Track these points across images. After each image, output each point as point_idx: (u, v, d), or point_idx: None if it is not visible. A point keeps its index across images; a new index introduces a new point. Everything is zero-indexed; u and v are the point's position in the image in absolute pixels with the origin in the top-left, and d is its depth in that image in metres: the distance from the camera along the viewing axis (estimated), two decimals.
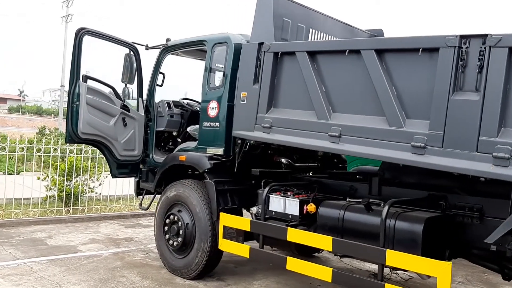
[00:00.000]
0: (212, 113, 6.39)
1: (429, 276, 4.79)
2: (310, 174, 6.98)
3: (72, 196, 10.24)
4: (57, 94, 78.18)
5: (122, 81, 7.24)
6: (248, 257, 5.57)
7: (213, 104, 6.38)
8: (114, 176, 7.37)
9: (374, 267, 7.21)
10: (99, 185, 11.12)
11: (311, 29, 6.31)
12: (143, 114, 7.39)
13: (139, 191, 7.67)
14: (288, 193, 5.80)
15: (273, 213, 5.71)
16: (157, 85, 7.49)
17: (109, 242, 8.24)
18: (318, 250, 7.34)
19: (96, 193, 11.17)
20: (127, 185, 10.75)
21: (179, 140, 7.75)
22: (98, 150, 10.54)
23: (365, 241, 4.74)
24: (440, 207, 4.94)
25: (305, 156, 7.12)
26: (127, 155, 7.24)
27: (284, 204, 5.66)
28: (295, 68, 5.28)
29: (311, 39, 6.23)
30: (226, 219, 5.80)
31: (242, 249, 5.64)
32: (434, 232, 4.62)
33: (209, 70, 6.54)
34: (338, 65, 4.95)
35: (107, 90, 7.05)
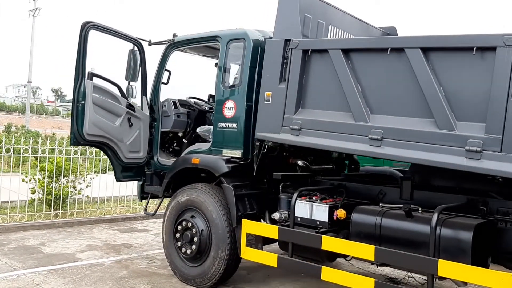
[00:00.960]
0: (228, 113, 6.04)
1: (466, 283, 4.60)
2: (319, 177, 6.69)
3: (60, 199, 9.69)
4: (21, 90, 75.75)
5: (126, 79, 6.82)
6: (276, 266, 5.26)
7: (230, 104, 6.03)
8: (118, 180, 6.94)
9: (387, 270, 7.04)
10: (86, 186, 10.61)
11: (330, 26, 6.02)
12: (148, 113, 6.97)
13: (143, 195, 7.25)
14: (314, 198, 5.53)
15: (299, 219, 5.43)
16: (162, 83, 7.08)
17: (108, 248, 7.78)
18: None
19: (83, 196, 10.64)
20: (117, 186, 10.31)
21: (185, 141, 7.37)
22: (86, 150, 10.16)
23: (405, 250, 4.51)
24: (481, 213, 4.74)
25: (319, 158, 6.85)
26: (133, 157, 6.81)
27: (310, 209, 5.38)
28: (327, 66, 5.00)
29: (330, 37, 5.95)
30: (250, 226, 5.48)
31: (269, 258, 5.33)
32: (481, 239, 4.42)
33: (223, 68, 6.18)
34: (377, 64, 4.69)
35: (111, 88, 6.60)
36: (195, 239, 6.03)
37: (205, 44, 6.82)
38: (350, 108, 4.80)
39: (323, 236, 4.90)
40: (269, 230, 5.33)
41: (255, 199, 6.07)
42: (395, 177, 8.34)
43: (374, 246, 4.53)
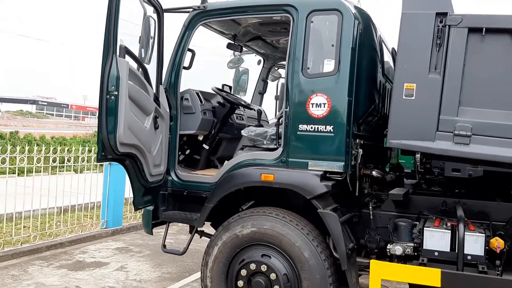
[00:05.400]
0: (317, 111, 4.40)
1: None
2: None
3: None
4: None
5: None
6: None
7: (320, 99, 4.39)
8: (137, 207, 4.74)
9: None
10: None
11: None
12: (168, 109, 4.89)
13: (154, 224, 5.13)
14: (448, 224, 4.28)
15: (436, 253, 4.13)
16: (184, 67, 5.06)
17: None
18: None
19: None
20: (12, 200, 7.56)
21: (206, 147, 5.45)
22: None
23: None
24: None
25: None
26: (156, 173, 4.71)
27: (450, 240, 4.11)
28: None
29: None
30: (387, 270, 3.97)
31: None
32: None
33: (303, 50, 4.48)
34: None
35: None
36: None
37: (256, 16, 5.03)
38: None
39: None
40: (424, 276, 3.87)
41: (349, 226, 4.58)
42: None
43: None
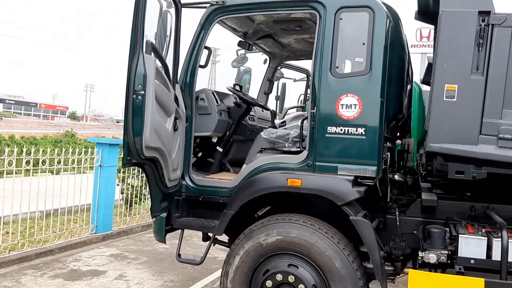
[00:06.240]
0: (347, 113, 4.18)
1: None
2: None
3: None
4: None
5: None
6: None
7: (350, 99, 4.18)
8: (154, 215, 4.43)
9: None
10: None
11: None
12: (184, 110, 4.60)
13: (167, 231, 4.80)
14: (483, 230, 4.13)
15: (472, 261, 3.96)
16: (200, 66, 4.77)
17: None
18: None
19: None
20: None
21: (220, 149, 5.18)
22: None
23: None
24: None
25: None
26: (174, 178, 4.42)
27: (486, 247, 3.97)
28: None
29: None
30: (425, 280, 3.78)
31: None
32: None
33: (332, 48, 4.26)
34: None
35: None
36: None
37: (281, 13, 4.78)
38: None
39: None
40: (466, 286, 3.69)
41: (378, 234, 4.38)
42: None
43: None
